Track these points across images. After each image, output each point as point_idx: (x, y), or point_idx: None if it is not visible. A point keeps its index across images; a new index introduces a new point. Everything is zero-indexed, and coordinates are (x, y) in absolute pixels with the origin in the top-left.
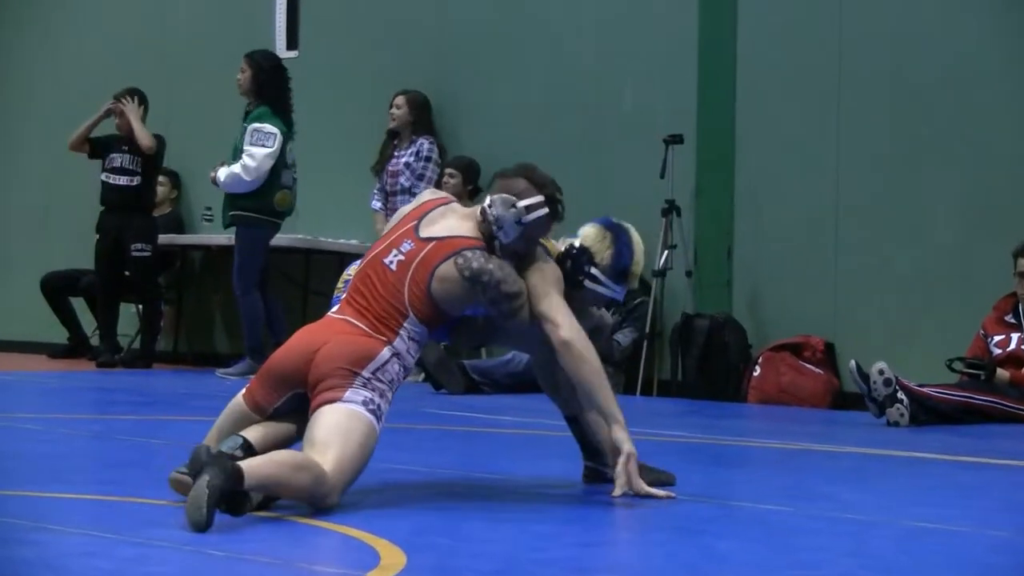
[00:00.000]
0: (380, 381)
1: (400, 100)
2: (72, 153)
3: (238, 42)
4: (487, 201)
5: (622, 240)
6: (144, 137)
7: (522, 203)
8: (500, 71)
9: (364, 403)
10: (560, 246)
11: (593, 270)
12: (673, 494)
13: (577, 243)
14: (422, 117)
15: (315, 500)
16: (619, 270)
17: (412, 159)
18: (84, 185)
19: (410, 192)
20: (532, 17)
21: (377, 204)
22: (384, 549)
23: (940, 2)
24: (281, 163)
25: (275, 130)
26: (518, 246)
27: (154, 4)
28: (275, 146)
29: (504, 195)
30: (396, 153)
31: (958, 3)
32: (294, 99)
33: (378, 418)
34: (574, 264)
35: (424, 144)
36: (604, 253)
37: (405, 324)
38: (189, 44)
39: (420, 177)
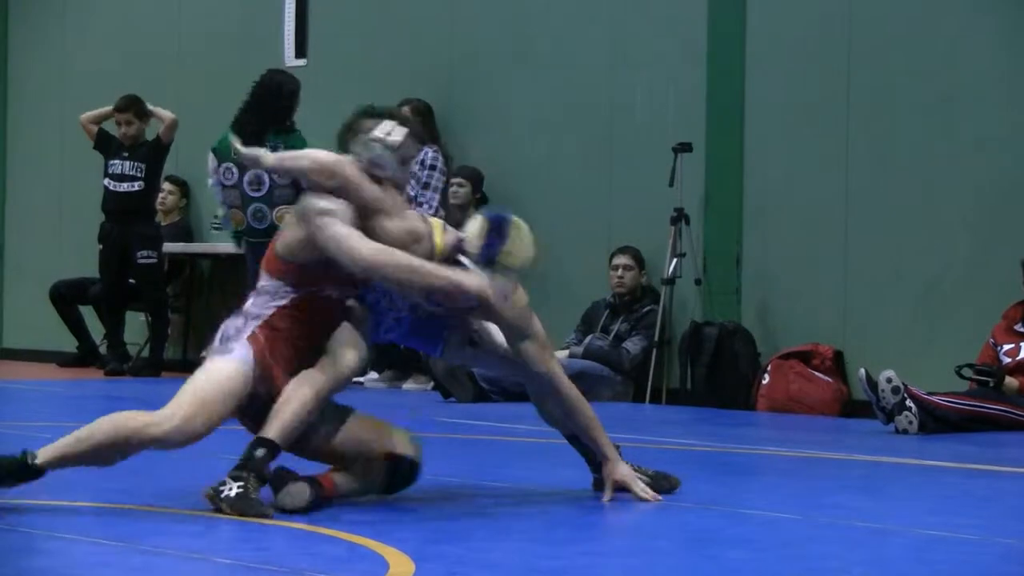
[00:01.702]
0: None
1: (405, 110)
2: (83, 163)
3: (248, 52)
4: (350, 157)
5: (497, 230)
6: (166, 115)
7: (375, 133)
8: (509, 80)
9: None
10: (449, 239)
11: (464, 258)
12: (660, 497)
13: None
14: (426, 126)
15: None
16: (487, 258)
17: (416, 168)
18: (95, 194)
19: (415, 201)
20: (541, 26)
21: None
22: (393, 557)
23: (952, 10)
24: (217, 183)
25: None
26: (401, 175)
27: (166, 14)
28: (208, 164)
29: (360, 137)
30: None
31: (970, 10)
32: (303, 109)
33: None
34: (452, 254)
35: (428, 152)
36: (477, 242)
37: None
38: (200, 54)
39: (425, 186)
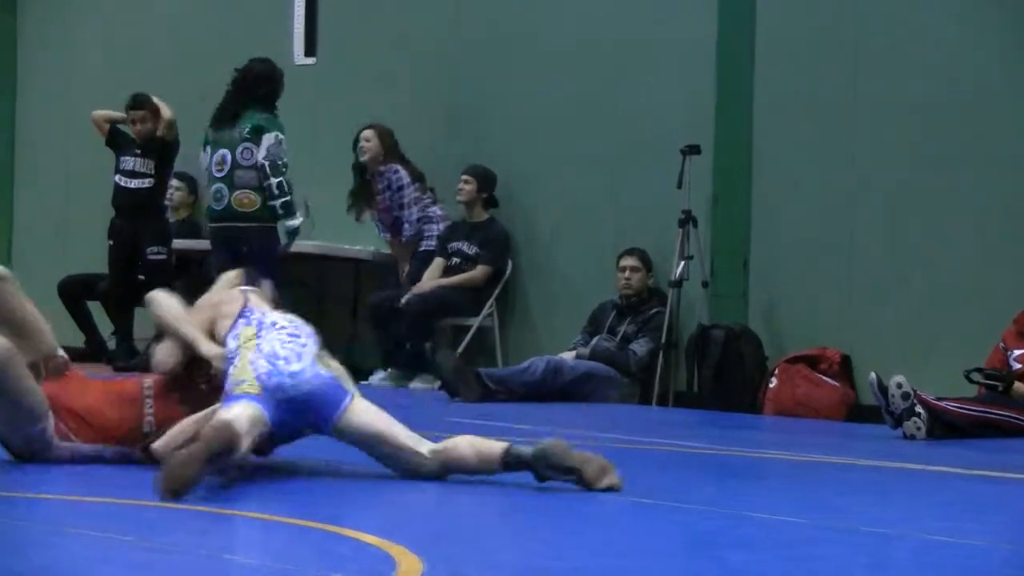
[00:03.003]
0: None
1: (369, 133)
2: (90, 159)
3: (257, 50)
4: None
5: None
6: (164, 112)
7: None
8: (516, 81)
9: None
10: None
11: None
12: None
13: None
14: (392, 147)
15: None
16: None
17: (388, 194)
18: (103, 190)
19: (408, 221)
20: (551, 27)
21: (385, 234)
22: (400, 556)
23: (958, 15)
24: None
25: None
26: None
27: (177, 12)
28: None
29: None
30: (377, 191)
31: (976, 15)
32: (309, 107)
33: None
34: None
35: (390, 175)
36: None
37: None
38: (209, 53)
39: (403, 206)
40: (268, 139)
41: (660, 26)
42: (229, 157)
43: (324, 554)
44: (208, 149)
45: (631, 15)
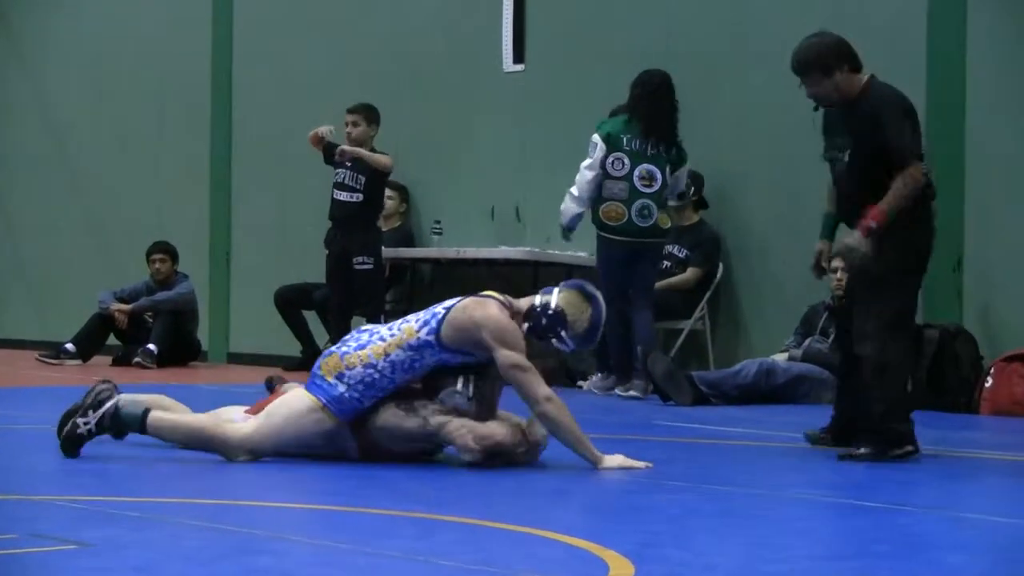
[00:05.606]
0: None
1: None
2: (305, 170)
3: (466, 59)
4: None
5: (597, 311)
6: (380, 161)
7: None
8: (727, 82)
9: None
10: (535, 299)
11: (563, 333)
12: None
13: (553, 304)
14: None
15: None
16: (586, 338)
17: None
18: (318, 200)
19: None
20: (758, 27)
21: None
22: (612, 560)
23: None
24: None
25: None
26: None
27: (398, 24)
28: (594, 151)
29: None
30: None
31: None
32: (517, 113)
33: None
34: (548, 324)
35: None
36: (581, 323)
37: None
38: (422, 61)
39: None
40: None
41: (868, 23)
42: (658, 174)
43: (535, 558)
44: (624, 156)
45: (838, 12)
